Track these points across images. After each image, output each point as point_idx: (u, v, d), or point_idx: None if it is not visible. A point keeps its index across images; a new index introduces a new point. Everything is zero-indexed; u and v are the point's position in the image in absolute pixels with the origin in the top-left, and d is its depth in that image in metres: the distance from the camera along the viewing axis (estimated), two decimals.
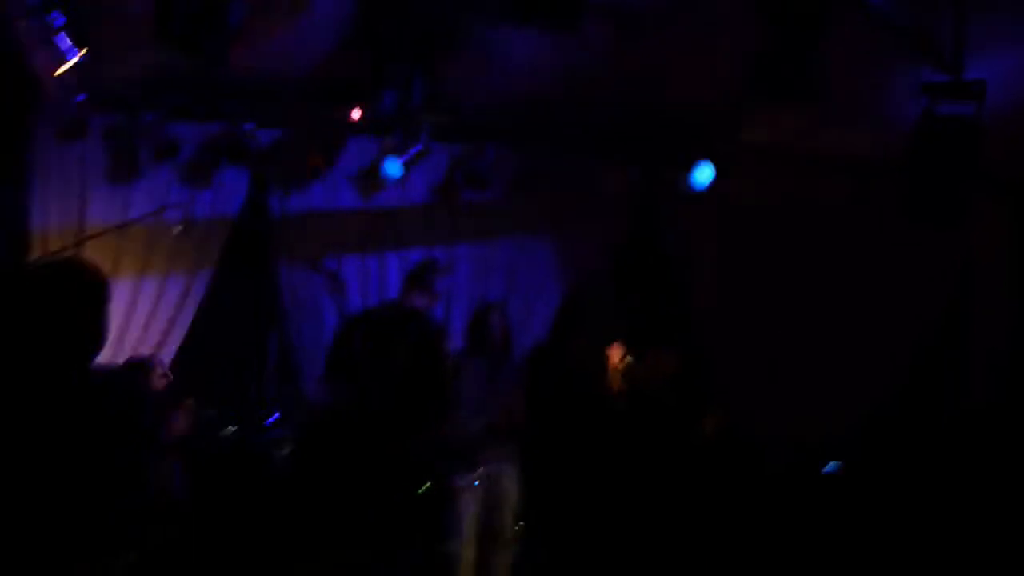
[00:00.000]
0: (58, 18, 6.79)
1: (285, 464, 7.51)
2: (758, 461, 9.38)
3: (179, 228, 8.53)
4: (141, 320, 9.02)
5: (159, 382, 7.78)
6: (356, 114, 8.60)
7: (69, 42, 7.04)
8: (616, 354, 7.16)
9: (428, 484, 7.90)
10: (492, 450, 7.74)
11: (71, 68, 7.26)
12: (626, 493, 7.28)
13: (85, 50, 7.08)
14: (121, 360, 8.76)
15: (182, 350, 9.14)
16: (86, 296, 4.20)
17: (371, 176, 9.47)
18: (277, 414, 7.97)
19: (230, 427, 7.95)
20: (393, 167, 9.15)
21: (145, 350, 8.92)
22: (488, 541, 7.86)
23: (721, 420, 9.30)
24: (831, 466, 9.54)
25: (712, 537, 8.03)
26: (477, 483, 7.81)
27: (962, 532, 8.25)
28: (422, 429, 7.31)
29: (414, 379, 7.26)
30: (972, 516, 8.39)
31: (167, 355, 9.03)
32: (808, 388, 9.97)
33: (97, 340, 4.21)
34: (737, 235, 10.06)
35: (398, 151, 9.25)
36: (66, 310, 4.02)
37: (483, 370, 7.93)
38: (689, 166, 9.43)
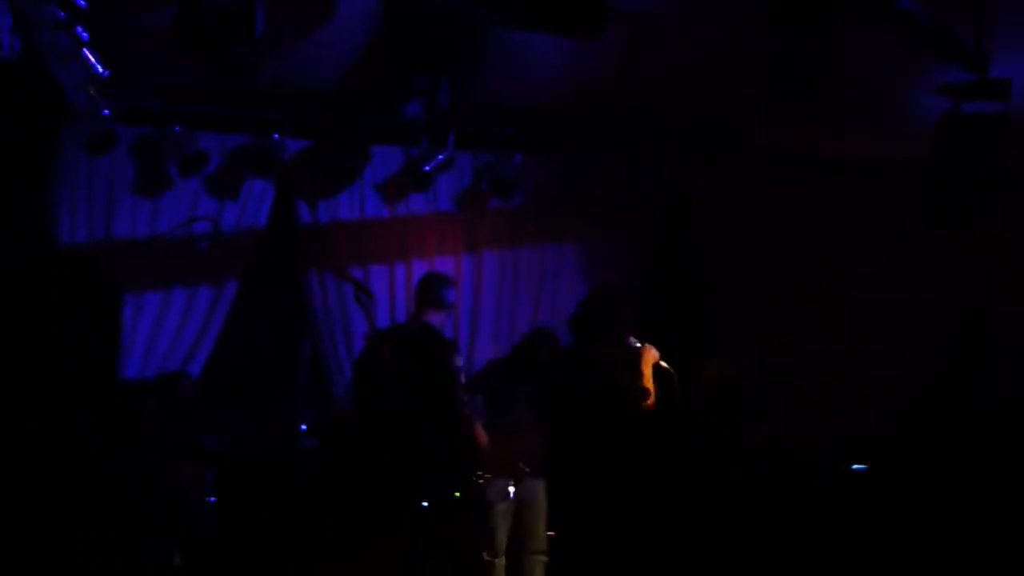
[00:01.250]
0: (84, 33, 6.83)
1: (314, 469, 7.55)
2: (799, 468, 9.39)
3: (206, 242, 8.58)
4: (170, 331, 9.05)
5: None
6: None
7: (95, 57, 7.09)
8: (651, 356, 7.11)
9: (458, 492, 7.96)
10: (526, 461, 7.79)
11: (98, 82, 7.31)
12: (661, 503, 7.25)
13: (109, 68, 7.13)
14: (150, 371, 8.84)
15: (211, 361, 9.18)
16: (99, 295, 4.24)
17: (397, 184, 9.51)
18: (307, 423, 7.99)
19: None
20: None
21: (174, 361, 8.97)
22: (520, 550, 7.90)
23: (766, 429, 9.35)
24: (859, 466, 9.54)
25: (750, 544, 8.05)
26: (511, 494, 7.84)
27: (988, 526, 8.24)
28: (437, 436, 7.37)
29: (428, 392, 7.33)
30: (1000, 510, 8.39)
31: (196, 366, 9.09)
32: (837, 388, 9.98)
33: (112, 339, 4.25)
34: (762, 238, 10.06)
35: (424, 159, 9.28)
36: (81, 307, 4.07)
37: (530, 394, 7.98)
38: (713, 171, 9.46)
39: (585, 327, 7.18)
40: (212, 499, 7.57)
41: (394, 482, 7.25)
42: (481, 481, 7.83)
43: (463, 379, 8.02)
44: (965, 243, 9.68)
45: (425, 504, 7.60)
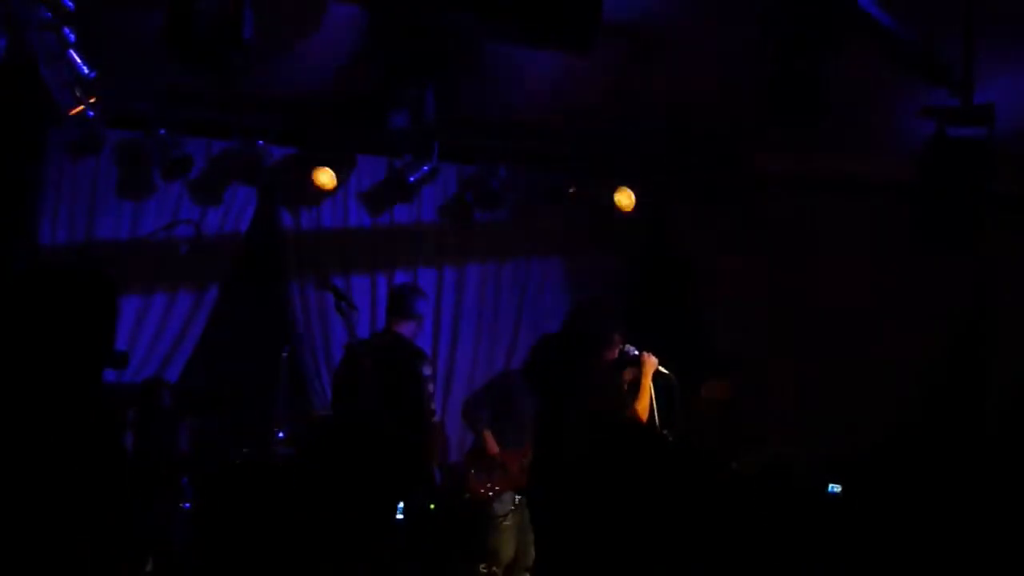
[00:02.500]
0: (71, 34, 6.81)
1: (291, 477, 7.52)
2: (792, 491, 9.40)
3: (187, 246, 8.54)
4: (149, 335, 9.02)
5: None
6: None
7: (81, 59, 7.07)
8: (651, 364, 7.07)
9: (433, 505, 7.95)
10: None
11: (84, 83, 7.29)
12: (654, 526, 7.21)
13: (96, 70, 7.11)
14: (127, 377, 8.81)
15: (190, 366, 9.15)
16: (96, 303, 4.20)
17: (381, 194, 9.50)
18: (285, 431, 7.96)
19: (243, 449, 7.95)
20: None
21: (153, 366, 8.95)
22: (521, 563, 7.89)
23: (763, 453, 9.35)
24: (833, 488, 9.55)
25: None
26: (514, 508, 7.85)
27: (980, 546, 8.24)
28: (407, 445, 7.37)
29: (398, 402, 7.33)
30: (989, 530, 8.39)
31: (174, 371, 9.06)
32: (826, 408, 10.01)
33: (105, 349, 4.21)
34: (750, 257, 10.09)
35: (409, 170, 9.27)
36: (75, 317, 4.02)
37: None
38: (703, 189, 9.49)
39: (572, 341, 7.15)
40: (187, 505, 7.54)
41: (367, 492, 7.25)
42: (491, 494, 7.84)
43: (432, 388, 8.07)
44: (956, 265, 9.72)
45: (400, 517, 7.60)
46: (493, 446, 7.92)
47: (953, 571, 8.10)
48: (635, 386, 7.14)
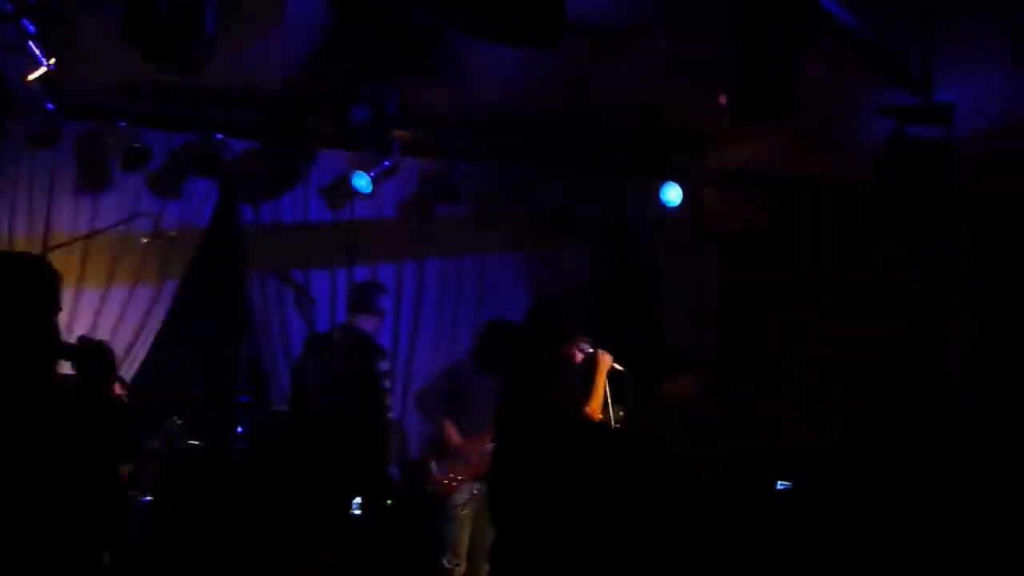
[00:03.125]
0: (30, 25, 6.77)
1: (246, 472, 7.51)
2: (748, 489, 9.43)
3: (146, 240, 8.49)
4: (107, 329, 8.96)
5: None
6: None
7: (40, 50, 7.02)
8: (605, 362, 7.10)
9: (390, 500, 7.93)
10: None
11: (42, 75, 7.25)
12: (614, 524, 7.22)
13: (54, 60, 7.06)
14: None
15: (148, 360, 9.11)
16: (37, 292, 4.19)
17: (341, 189, 9.47)
18: (243, 425, 7.95)
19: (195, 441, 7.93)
20: (362, 181, 9.15)
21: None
22: (480, 556, 7.86)
23: (723, 451, 9.38)
24: (782, 485, 9.61)
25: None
26: (470, 497, 7.81)
27: (942, 538, 8.30)
28: (363, 440, 7.35)
29: (355, 396, 7.32)
30: (952, 522, 8.46)
31: (133, 365, 9.02)
32: (788, 404, 10.08)
33: (41, 334, 4.20)
34: (713, 254, 10.14)
35: (369, 165, 9.26)
36: (17, 306, 4.01)
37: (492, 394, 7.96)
38: (663, 185, 9.52)
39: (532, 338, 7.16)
40: (145, 499, 7.51)
41: (321, 487, 7.23)
42: (454, 484, 7.81)
43: (389, 384, 8.05)
44: (916, 263, 9.81)
45: (358, 512, 7.58)
46: (455, 437, 7.87)
47: (918, 564, 8.14)
48: (589, 383, 7.19)
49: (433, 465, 7.90)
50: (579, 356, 6.89)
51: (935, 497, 8.96)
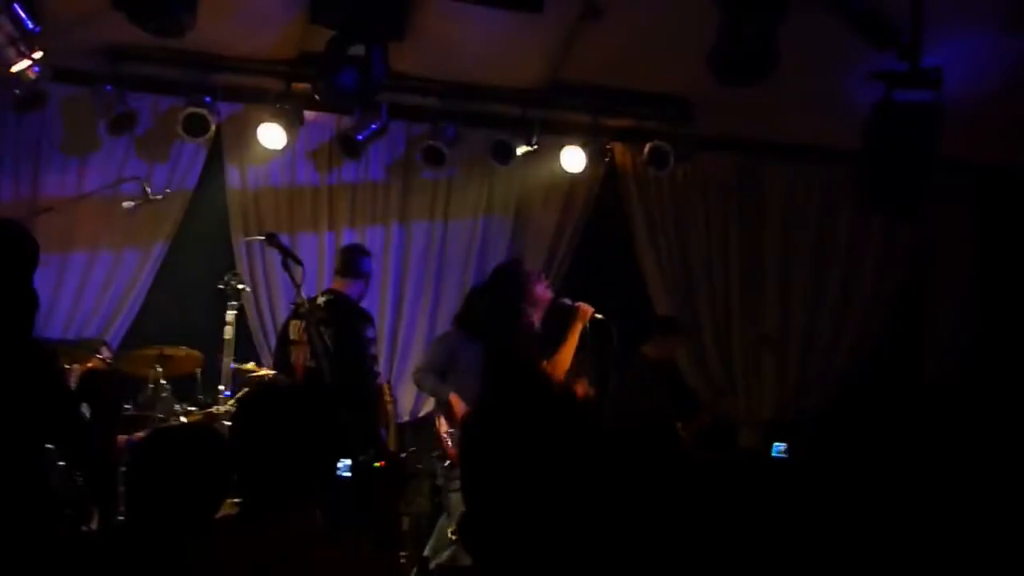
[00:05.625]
0: None
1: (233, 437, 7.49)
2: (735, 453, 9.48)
3: (133, 203, 8.44)
4: (94, 293, 8.97)
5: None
6: None
7: (26, 13, 6.99)
8: (585, 312, 7.16)
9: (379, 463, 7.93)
10: None
11: (29, 38, 7.21)
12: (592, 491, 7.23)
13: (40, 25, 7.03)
14: (72, 334, 8.74)
15: (136, 325, 9.11)
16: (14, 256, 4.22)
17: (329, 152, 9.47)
18: (231, 388, 7.93)
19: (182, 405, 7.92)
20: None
21: (98, 323, 8.90)
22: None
23: (705, 419, 9.42)
24: (777, 448, 9.65)
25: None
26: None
27: (921, 506, 8.35)
28: (349, 404, 7.34)
29: (340, 361, 7.30)
30: (932, 488, 8.51)
31: (121, 329, 9.01)
32: (770, 370, 10.12)
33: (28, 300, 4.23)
34: (695, 219, 10.15)
35: (357, 128, 9.23)
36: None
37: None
38: (646, 148, 9.51)
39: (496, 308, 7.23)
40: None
41: (310, 449, 7.22)
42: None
43: (374, 350, 8.04)
44: (900, 228, 9.85)
45: (348, 474, 7.56)
46: (460, 406, 7.76)
47: (900, 530, 8.20)
48: (563, 334, 7.25)
49: (445, 433, 7.76)
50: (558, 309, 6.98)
51: (917, 460, 9.01)
